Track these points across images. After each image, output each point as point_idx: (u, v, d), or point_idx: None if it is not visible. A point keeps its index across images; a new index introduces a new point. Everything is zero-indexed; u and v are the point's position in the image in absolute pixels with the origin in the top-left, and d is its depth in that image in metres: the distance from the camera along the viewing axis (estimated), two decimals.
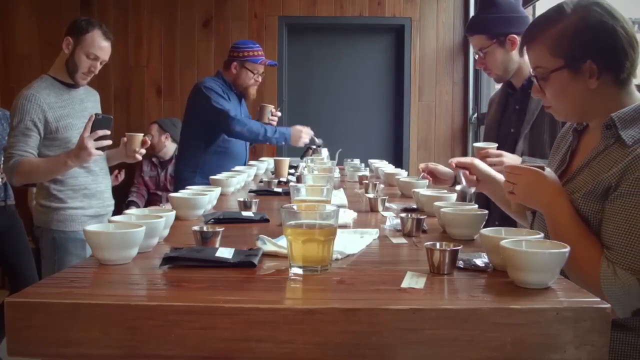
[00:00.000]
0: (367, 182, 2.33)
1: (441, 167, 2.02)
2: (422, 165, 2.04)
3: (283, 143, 3.32)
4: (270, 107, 3.44)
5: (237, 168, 2.91)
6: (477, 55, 2.19)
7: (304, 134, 3.25)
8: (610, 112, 1.24)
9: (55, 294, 0.93)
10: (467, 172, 1.62)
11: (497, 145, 1.99)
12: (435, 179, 2.00)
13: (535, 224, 1.41)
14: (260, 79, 3.43)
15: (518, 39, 2.04)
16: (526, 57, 1.45)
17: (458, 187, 1.71)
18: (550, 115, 1.43)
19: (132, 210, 1.35)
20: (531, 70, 1.36)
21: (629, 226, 1.14)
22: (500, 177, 1.56)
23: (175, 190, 1.89)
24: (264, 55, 3.42)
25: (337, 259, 1.16)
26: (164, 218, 1.27)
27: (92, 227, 1.13)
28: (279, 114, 3.48)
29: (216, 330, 0.87)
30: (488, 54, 2.12)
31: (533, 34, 1.31)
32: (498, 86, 2.40)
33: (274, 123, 3.42)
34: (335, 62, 4.94)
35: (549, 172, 1.29)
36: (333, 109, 4.95)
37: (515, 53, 2.08)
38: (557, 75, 1.27)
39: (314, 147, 3.21)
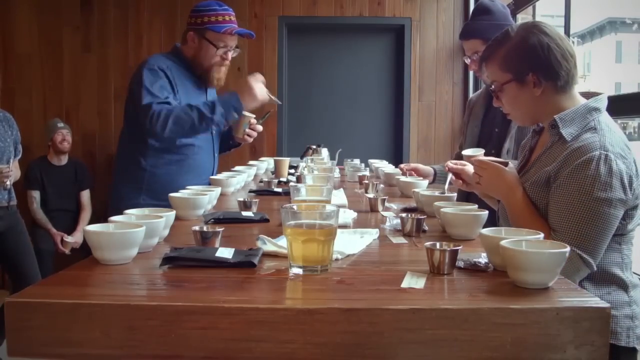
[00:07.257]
0: (367, 182, 2.33)
1: (421, 166, 2.48)
2: (403, 166, 2.48)
3: (236, 115, 2.34)
4: (250, 118, 2.46)
5: (237, 168, 2.89)
6: (469, 59, 2.36)
7: (256, 89, 2.31)
8: (556, 114, 1.47)
9: (55, 294, 0.93)
10: (454, 177, 1.84)
11: (484, 151, 1.98)
12: (418, 174, 2.42)
13: (501, 209, 1.62)
14: (229, 57, 2.46)
15: None
16: None
17: (446, 186, 1.89)
18: None
19: (132, 210, 1.34)
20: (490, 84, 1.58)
21: (568, 212, 1.37)
22: None
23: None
24: (235, 22, 2.44)
25: (337, 259, 1.16)
26: (164, 218, 1.27)
27: (92, 227, 1.13)
28: (260, 128, 2.53)
29: (216, 330, 0.87)
30: None
31: (486, 54, 1.56)
32: None
33: (250, 140, 2.55)
34: (335, 62, 4.94)
35: (510, 167, 1.52)
36: (333, 108, 4.95)
37: None
38: (507, 87, 1.52)
39: (314, 147, 3.15)
